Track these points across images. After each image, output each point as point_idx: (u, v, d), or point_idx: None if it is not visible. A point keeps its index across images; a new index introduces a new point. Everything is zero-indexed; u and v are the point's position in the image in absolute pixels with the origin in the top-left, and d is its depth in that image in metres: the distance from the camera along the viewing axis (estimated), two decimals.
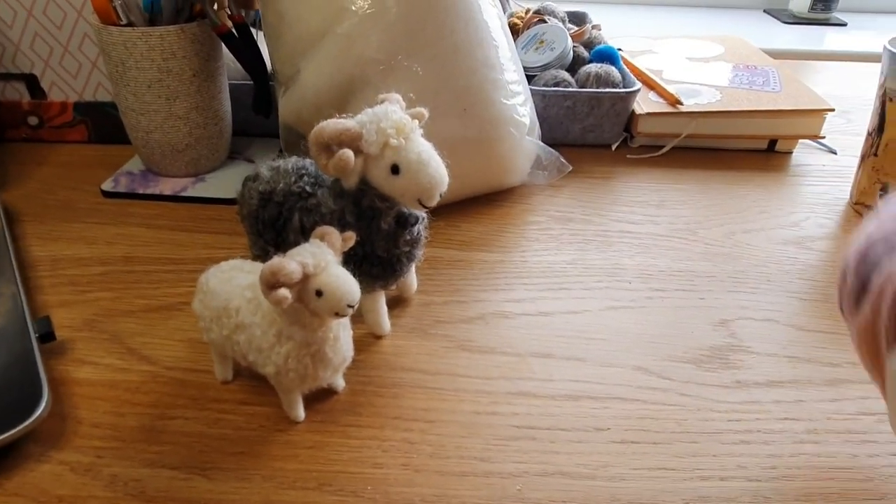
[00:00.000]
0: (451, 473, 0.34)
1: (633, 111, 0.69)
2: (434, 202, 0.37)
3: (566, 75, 0.69)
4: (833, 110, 0.67)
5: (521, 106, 0.57)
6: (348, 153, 0.34)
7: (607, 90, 0.66)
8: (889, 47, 0.53)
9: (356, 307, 0.33)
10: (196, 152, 0.59)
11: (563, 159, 0.62)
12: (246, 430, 0.36)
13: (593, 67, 0.69)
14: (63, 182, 0.61)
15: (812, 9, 1.29)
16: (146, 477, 0.33)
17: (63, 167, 0.64)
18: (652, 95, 0.71)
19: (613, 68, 0.70)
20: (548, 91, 0.66)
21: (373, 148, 0.35)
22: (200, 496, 0.33)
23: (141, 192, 0.58)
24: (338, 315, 0.32)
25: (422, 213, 0.41)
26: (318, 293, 0.31)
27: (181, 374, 0.40)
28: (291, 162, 0.42)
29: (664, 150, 0.69)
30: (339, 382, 0.39)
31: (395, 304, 0.46)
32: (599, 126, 0.68)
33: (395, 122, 0.35)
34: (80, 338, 0.42)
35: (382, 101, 0.38)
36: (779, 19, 1.31)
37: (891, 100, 0.54)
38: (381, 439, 0.36)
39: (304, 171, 0.41)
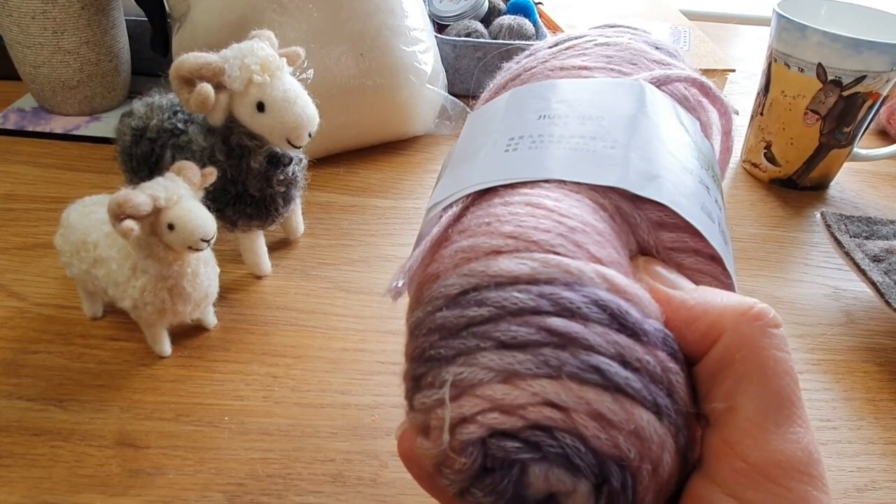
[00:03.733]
0: (310, 405, 0.35)
1: None
2: (302, 141, 0.37)
3: (479, 26, 0.69)
4: (734, 70, 0.69)
5: (422, 53, 0.57)
6: (207, 88, 0.34)
7: (517, 41, 0.67)
8: (777, 10, 0.55)
9: (212, 241, 0.33)
10: (89, 90, 0.57)
11: (468, 109, 0.62)
12: (110, 364, 0.37)
13: (507, 19, 0.69)
14: None
15: None
16: None
17: None
18: None
19: (527, 21, 0.70)
20: (458, 41, 0.66)
21: (236, 84, 0.35)
22: (54, 426, 0.33)
23: (30, 129, 0.57)
24: (192, 249, 0.32)
25: (298, 154, 0.41)
26: (170, 227, 0.32)
27: (50, 310, 0.40)
28: (167, 98, 0.41)
29: None
30: (211, 319, 0.39)
31: (281, 245, 0.47)
32: None
33: (260, 58, 0.35)
34: None
35: (253, 37, 0.37)
36: None
37: (775, 60, 0.56)
38: (246, 373, 0.37)
39: (178, 108, 0.40)
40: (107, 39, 0.56)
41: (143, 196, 0.31)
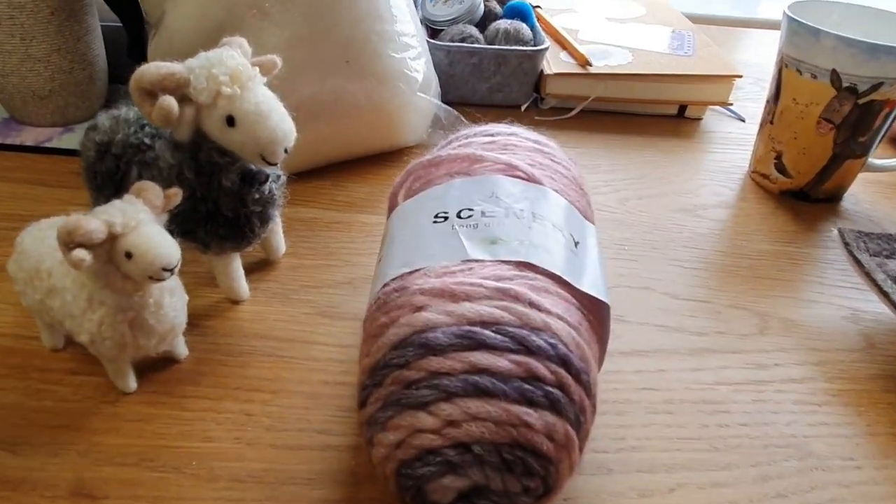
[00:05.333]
0: (286, 447, 0.32)
1: (542, 71, 0.66)
2: (277, 158, 0.34)
3: (473, 31, 0.66)
4: (740, 76, 0.66)
5: (412, 60, 0.54)
6: (169, 101, 0.31)
7: (514, 48, 0.64)
8: (788, 13, 0.52)
9: (175, 270, 0.30)
10: (62, 99, 0.54)
11: (463, 118, 0.59)
12: (70, 401, 0.34)
13: (503, 23, 0.67)
14: None
15: None
16: None
17: None
18: (564, 55, 0.69)
19: (524, 25, 0.67)
20: (452, 47, 0.63)
21: (203, 96, 0.32)
22: (2, 473, 0.30)
23: (1, 141, 0.54)
24: (153, 279, 0.29)
25: (275, 171, 0.38)
26: (128, 255, 0.29)
27: (7, 340, 0.37)
28: (135, 110, 0.38)
29: (573, 112, 0.67)
30: (181, 350, 0.36)
31: (261, 267, 0.44)
32: (507, 85, 0.66)
33: (230, 68, 0.32)
34: None
35: (223, 45, 0.34)
36: None
37: (786, 66, 0.53)
38: (217, 411, 0.34)
39: (146, 122, 0.37)
40: (80, 47, 0.53)
41: (95, 222, 0.28)
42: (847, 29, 0.51)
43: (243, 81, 0.33)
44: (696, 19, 0.89)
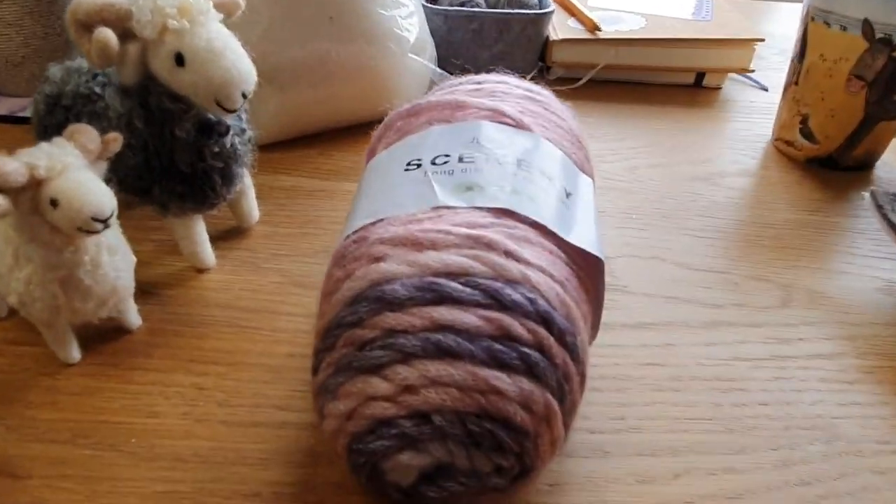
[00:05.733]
0: (239, 424, 0.29)
1: (547, 38, 0.62)
2: (235, 103, 0.30)
3: None
4: (762, 40, 0.61)
5: (404, 18, 0.50)
6: (106, 33, 0.28)
7: (516, 11, 0.60)
8: None
9: (109, 221, 0.26)
10: (37, 66, 0.52)
11: None
12: (6, 373, 0.31)
13: None
14: None
15: None
16: None
17: None
18: (571, 21, 0.64)
19: None
20: (450, 11, 0.59)
21: (147, 30, 0.29)
22: None
23: None
24: (83, 231, 0.26)
25: (239, 124, 0.35)
26: (53, 202, 0.25)
27: None
28: None
29: (581, 81, 0.63)
30: (133, 319, 0.33)
31: (232, 235, 0.40)
32: (511, 53, 0.62)
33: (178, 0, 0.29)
34: None
35: None
36: None
37: (813, 19, 0.48)
38: (166, 384, 0.30)
39: (99, 71, 0.34)
40: (55, 9, 0.51)
41: (14, 164, 0.25)
42: None
43: (193, 15, 0.29)
44: None
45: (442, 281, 0.22)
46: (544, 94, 0.34)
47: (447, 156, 0.28)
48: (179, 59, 0.29)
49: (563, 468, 0.27)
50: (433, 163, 0.27)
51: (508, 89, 0.33)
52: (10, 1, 0.48)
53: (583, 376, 0.24)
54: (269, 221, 0.42)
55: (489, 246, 0.23)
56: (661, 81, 0.64)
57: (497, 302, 0.22)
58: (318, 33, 0.46)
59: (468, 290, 0.22)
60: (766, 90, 0.64)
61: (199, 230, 0.36)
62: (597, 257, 0.26)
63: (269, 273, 0.37)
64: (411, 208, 0.26)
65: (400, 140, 0.31)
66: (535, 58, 0.63)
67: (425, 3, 0.59)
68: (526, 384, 0.22)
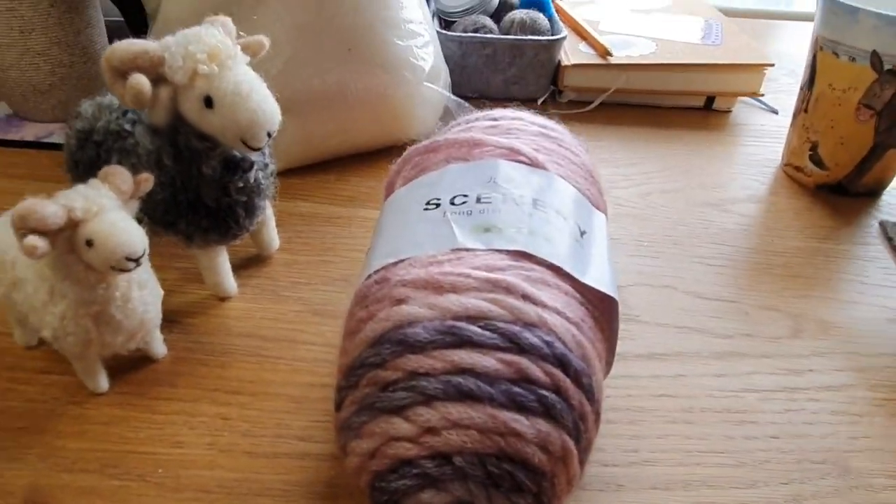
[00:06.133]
0: (262, 455, 0.30)
1: (559, 62, 0.63)
2: (260, 142, 0.32)
3: (488, 21, 0.63)
4: (772, 65, 0.62)
5: (419, 48, 0.51)
6: (140, 80, 0.29)
7: (528, 37, 0.61)
8: None
9: (141, 260, 0.28)
10: (63, 94, 0.53)
11: (475, 110, 0.56)
12: (37, 402, 0.32)
13: (519, 13, 0.64)
14: None
15: None
16: None
17: None
18: (583, 46, 0.65)
19: (541, 15, 0.64)
20: (464, 37, 0.60)
21: (178, 76, 0.30)
22: None
23: (2, 137, 0.53)
24: (116, 269, 0.27)
25: (262, 159, 0.36)
26: (89, 243, 0.26)
27: None
28: None
29: (592, 105, 0.63)
30: (158, 349, 0.34)
31: (252, 263, 0.41)
32: (523, 78, 0.63)
33: (208, 45, 0.30)
34: None
35: (205, 23, 0.32)
36: None
37: (822, 49, 0.49)
38: (191, 415, 0.31)
39: (129, 108, 0.36)
40: (80, 39, 0.52)
41: (53, 206, 0.26)
42: (888, 6, 0.47)
43: (222, 60, 0.30)
44: (727, 12, 0.85)
45: (462, 325, 0.23)
46: (558, 129, 0.35)
47: (465, 196, 0.28)
48: (208, 102, 0.30)
49: (578, 502, 0.28)
50: (452, 203, 0.28)
51: (524, 126, 0.34)
52: (40, 32, 0.50)
53: (597, 414, 0.25)
54: (289, 249, 0.43)
55: (507, 289, 0.24)
56: (671, 104, 0.65)
57: (515, 345, 0.23)
58: (337, 64, 0.48)
59: (487, 333, 0.23)
60: (776, 113, 0.65)
61: (223, 260, 0.37)
62: (612, 298, 0.27)
63: (289, 301, 0.38)
64: (431, 249, 0.26)
65: (418, 177, 0.32)
66: (548, 82, 0.64)
67: (440, 30, 0.60)
68: (543, 426, 0.22)
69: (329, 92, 0.48)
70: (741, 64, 0.62)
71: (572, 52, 0.64)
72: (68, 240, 0.27)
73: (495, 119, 0.35)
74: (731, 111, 0.65)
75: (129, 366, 0.33)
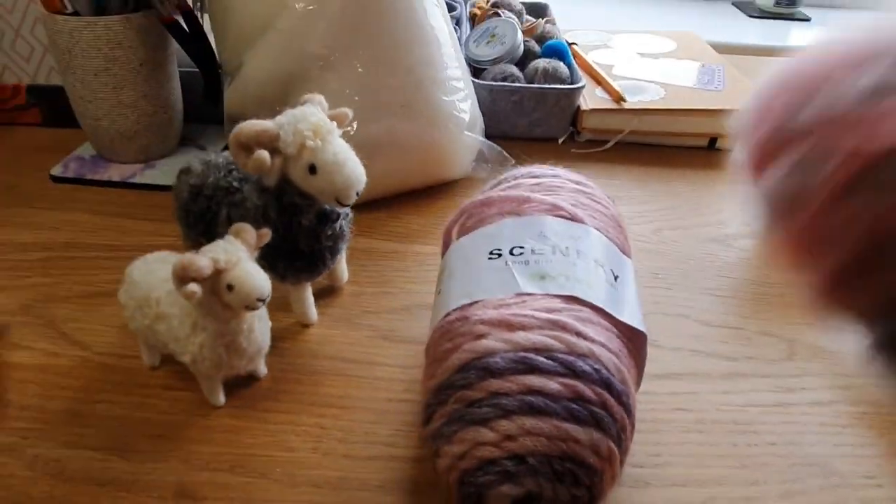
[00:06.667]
0: (358, 457, 0.37)
1: (578, 106, 0.70)
2: (350, 200, 0.39)
3: (514, 70, 0.71)
4: None
5: (461, 102, 0.58)
6: (264, 154, 0.36)
7: (552, 86, 0.68)
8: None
9: (267, 300, 0.35)
10: (146, 139, 0.60)
11: (505, 153, 0.64)
12: (168, 414, 0.38)
13: (541, 63, 0.71)
14: (12, 166, 0.62)
15: (777, 3, 1.30)
16: (66, 457, 0.35)
17: (14, 151, 0.65)
18: (599, 91, 0.73)
19: (561, 64, 0.72)
20: (494, 85, 0.68)
21: (290, 149, 0.37)
22: (116, 476, 0.35)
23: (90, 177, 0.60)
24: (248, 308, 0.34)
25: (344, 210, 0.43)
26: (230, 287, 0.33)
27: (111, 359, 0.42)
28: (223, 156, 0.44)
29: (608, 145, 0.71)
30: (262, 369, 0.41)
31: (326, 294, 0.48)
32: (546, 120, 0.70)
33: (312, 124, 0.37)
34: (15, 322, 0.44)
35: (305, 102, 0.39)
36: (745, 13, 1.32)
37: None
38: (296, 424, 0.38)
39: (233, 167, 0.43)
40: (163, 93, 0.59)
41: (205, 260, 0.33)
42: None
43: (324, 135, 0.37)
44: (725, 49, 0.93)
45: (531, 355, 0.30)
46: (591, 185, 0.42)
47: (522, 248, 0.36)
48: (312, 169, 0.38)
49: (615, 497, 0.35)
50: (511, 253, 0.35)
51: (562, 183, 0.41)
52: (130, 88, 0.57)
53: (633, 425, 0.32)
54: (356, 282, 0.50)
55: (563, 328, 0.31)
56: (678, 144, 0.72)
57: (571, 371, 0.30)
58: (392, 117, 0.55)
59: (550, 362, 0.30)
60: None
61: (308, 294, 0.44)
62: (642, 332, 0.34)
63: (362, 328, 0.45)
64: (499, 293, 0.33)
65: (477, 228, 0.39)
66: (568, 124, 0.71)
67: (473, 79, 0.67)
68: (595, 434, 0.29)
69: (384, 140, 0.55)
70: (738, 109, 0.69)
71: (589, 97, 0.71)
72: (212, 285, 0.34)
73: (537, 177, 0.42)
74: (732, 150, 0.72)
75: (239, 384, 0.40)
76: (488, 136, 0.65)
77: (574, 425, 0.29)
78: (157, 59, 0.58)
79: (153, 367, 0.41)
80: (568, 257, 0.35)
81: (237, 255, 0.34)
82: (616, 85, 0.72)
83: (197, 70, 0.64)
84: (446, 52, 0.58)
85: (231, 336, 0.35)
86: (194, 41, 0.59)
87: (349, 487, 0.35)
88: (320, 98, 0.40)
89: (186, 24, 0.58)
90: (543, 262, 0.35)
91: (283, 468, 0.36)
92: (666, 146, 0.72)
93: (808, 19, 1.30)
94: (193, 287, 0.32)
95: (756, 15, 1.31)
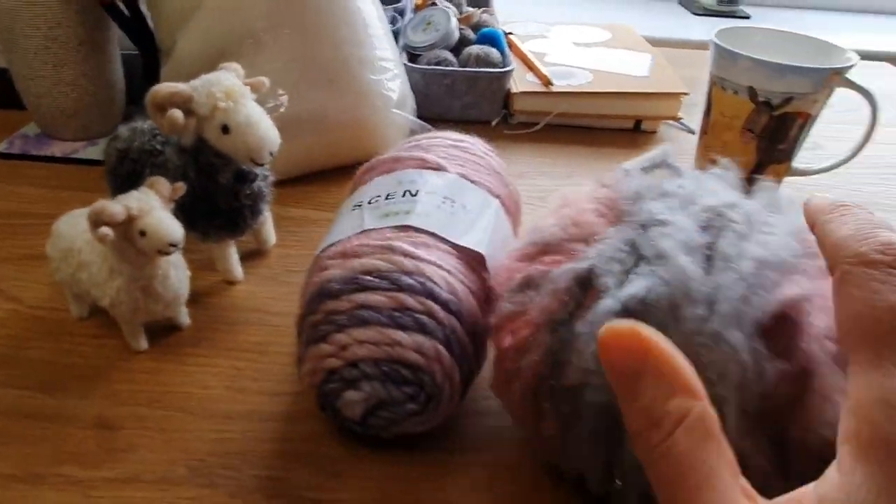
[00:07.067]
0: (269, 393, 0.40)
1: (509, 90, 0.74)
2: (264, 160, 0.42)
3: (448, 55, 0.74)
4: (687, 94, 0.74)
5: (389, 81, 0.62)
6: (177, 113, 0.39)
7: (483, 70, 0.72)
8: (714, 39, 0.60)
9: (179, 246, 0.37)
10: (87, 118, 0.63)
11: (435, 130, 0.67)
12: (93, 359, 0.41)
13: (475, 49, 0.75)
14: None
15: (720, 2, 1.36)
16: None
17: None
18: (530, 76, 0.77)
19: (494, 50, 0.75)
20: (427, 69, 0.71)
21: (203, 109, 0.40)
22: (42, 410, 0.37)
23: (34, 153, 0.62)
24: (161, 253, 0.37)
25: (264, 171, 0.46)
26: (142, 233, 0.36)
27: (43, 312, 0.44)
28: (149, 123, 0.46)
29: (537, 127, 0.75)
30: (183, 319, 0.44)
31: (255, 255, 0.51)
32: (478, 103, 0.74)
33: (225, 87, 0.40)
34: None
35: (221, 69, 0.42)
36: (689, 10, 1.38)
37: (714, 84, 0.60)
38: (213, 366, 0.41)
39: (157, 131, 0.45)
40: (103, 73, 0.62)
41: (118, 206, 0.35)
42: (768, 50, 0.59)
43: (236, 97, 0.40)
44: (669, 43, 0.97)
45: (361, 276, 0.34)
46: (470, 141, 0.45)
47: (378, 196, 0.39)
48: (225, 129, 0.41)
49: None
50: (368, 203, 0.39)
51: (439, 142, 0.45)
52: (70, 67, 0.59)
53: (473, 334, 0.34)
54: (283, 245, 0.53)
55: (393, 251, 0.34)
56: (605, 126, 0.76)
57: (397, 286, 0.33)
58: (321, 93, 0.58)
59: (377, 280, 0.33)
60: (693, 133, 0.77)
61: (232, 251, 0.47)
62: (480, 253, 0.36)
63: (287, 285, 0.48)
64: (349, 234, 0.37)
65: (356, 190, 0.42)
66: (500, 107, 0.75)
67: (407, 63, 0.71)
68: (419, 337, 0.32)
69: (314, 116, 0.58)
70: (661, 92, 0.74)
71: (520, 82, 0.75)
72: (125, 231, 0.37)
73: (418, 141, 0.46)
74: (656, 132, 0.77)
75: (162, 332, 0.43)
76: (424, 119, 0.68)
77: (397, 331, 0.32)
78: (96, 39, 0.60)
79: (81, 318, 0.44)
80: (416, 196, 0.38)
81: (149, 204, 0.37)
82: (546, 70, 0.76)
83: (138, 53, 0.67)
84: (374, 32, 0.61)
85: (146, 281, 0.38)
86: (133, 22, 0.61)
87: (259, 419, 0.38)
88: (236, 66, 0.43)
89: (125, 5, 0.61)
90: (392, 203, 0.38)
91: (197, 403, 0.39)
92: (595, 128, 0.76)
93: (747, 16, 1.36)
94: (106, 230, 0.35)
95: (700, 13, 1.37)
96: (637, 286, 0.26)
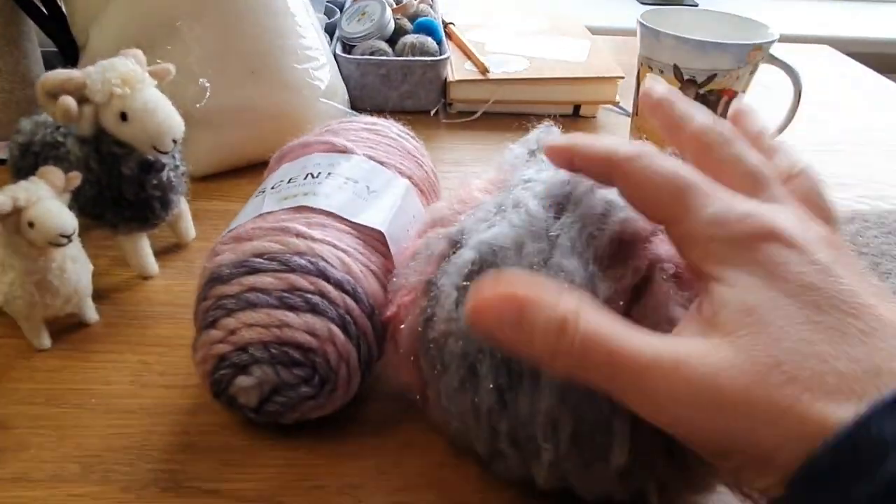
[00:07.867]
0: (175, 386, 0.38)
1: (447, 79, 0.74)
2: (166, 148, 0.41)
3: (383, 45, 0.73)
4: (623, 77, 0.74)
5: (316, 70, 0.61)
6: (67, 100, 0.38)
7: (416, 58, 0.71)
8: (639, 19, 0.60)
9: (72, 237, 0.36)
10: (4, 116, 0.61)
11: None
12: None
13: (410, 38, 0.74)
14: None
15: None
16: None
17: None
18: (468, 65, 0.76)
19: (430, 39, 0.75)
20: (360, 59, 0.70)
21: (98, 96, 0.39)
22: None
23: None
24: (53, 244, 0.36)
25: (173, 161, 0.44)
26: (31, 224, 0.35)
27: None
28: None
29: (475, 115, 0.74)
30: (90, 315, 0.42)
31: (173, 249, 0.50)
32: (415, 93, 0.73)
33: (121, 73, 0.39)
34: None
35: (120, 55, 0.41)
36: (638, 0, 1.39)
37: (642, 64, 0.60)
38: (119, 361, 0.40)
39: (61, 124, 0.44)
40: (20, 69, 0.60)
41: (3, 197, 0.34)
42: (695, 30, 0.59)
43: (133, 84, 0.39)
44: (607, 31, 0.98)
45: (251, 259, 0.33)
46: (385, 124, 0.45)
47: (281, 181, 0.38)
48: (124, 117, 0.39)
49: None
50: (272, 189, 0.38)
51: (350, 126, 0.44)
52: None
53: (371, 313, 0.33)
54: (205, 238, 0.51)
55: (284, 231, 0.34)
56: (545, 112, 0.75)
57: (287, 266, 0.32)
58: (243, 85, 0.57)
59: (267, 262, 0.32)
60: (629, 116, 0.77)
61: (144, 245, 0.46)
62: (378, 230, 0.36)
63: None
64: (248, 217, 0.36)
65: (266, 179, 0.41)
66: (438, 96, 0.74)
67: (341, 54, 0.70)
68: (309, 318, 0.31)
69: (237, 108, 0.57)
70: (597, 77, 0.74)
71: (458, 70, 0.74)
72: (14, 222, 0.35)
73: (329, 126, 0.45)
74: (595, 116, 0.77)
75: (68, 329, 0.42)
76: (361, 110, 0.67)
77: (287, 312, 0.31)
78: (10, 35, 0.59)
79: None
80: (316, 178, 0.37)
81: (38, 194, 0.35)
82: (483, 58, 0.75)
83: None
84: (299, 21, 0.60)
85: (40, 274, 0.37)
86: (50, 19, 0.60)
87: (160, 413, 0.37)
88: (136, 52, 0.42)
89: (42, 2, 0.59)
90: (292, 187, 0.37)
91: (98, 399, 0.37)
92: (534, 114, 0.76)
93: (695, 5, 1.37)
94: None
95: (648, 2, 1.38)
96: (488, 233, 0.28)
